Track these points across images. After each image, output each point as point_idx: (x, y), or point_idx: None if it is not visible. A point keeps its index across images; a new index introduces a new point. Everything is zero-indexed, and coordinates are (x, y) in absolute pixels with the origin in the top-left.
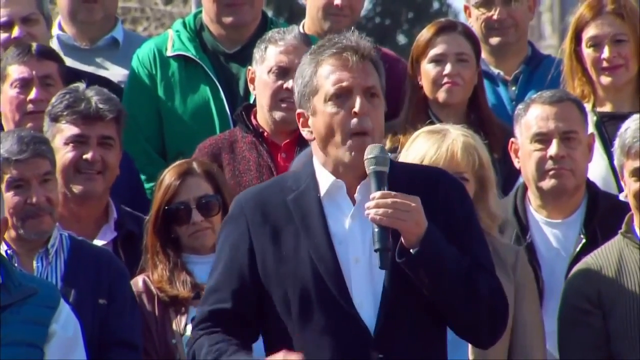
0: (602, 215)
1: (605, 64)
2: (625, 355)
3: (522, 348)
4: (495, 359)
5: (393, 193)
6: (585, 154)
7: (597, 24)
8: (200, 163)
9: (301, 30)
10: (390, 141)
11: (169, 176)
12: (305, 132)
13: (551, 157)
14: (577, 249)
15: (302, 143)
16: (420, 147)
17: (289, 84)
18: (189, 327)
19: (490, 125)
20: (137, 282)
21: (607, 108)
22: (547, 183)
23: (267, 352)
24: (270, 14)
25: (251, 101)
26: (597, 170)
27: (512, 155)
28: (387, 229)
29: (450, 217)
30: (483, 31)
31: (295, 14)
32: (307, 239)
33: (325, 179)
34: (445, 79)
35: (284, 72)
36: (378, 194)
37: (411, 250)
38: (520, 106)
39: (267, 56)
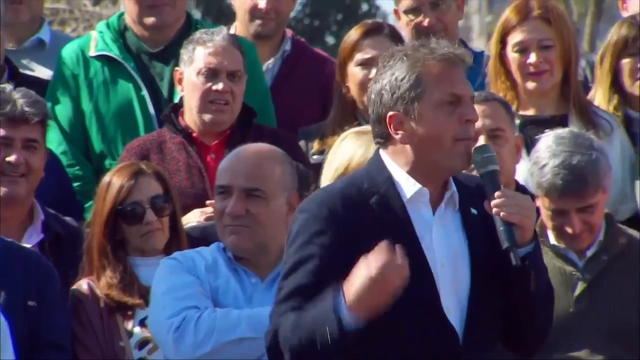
0: None
1: (531, 69)
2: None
3: None
4: None
5: (513, 192)
6: (512, 153)
7: (524, 29)
8: (147, 164)
9: (230, 32)
10: (318, 144)
11: (118, 177)
12: (399, 135)
13: None
14: None
15: (232, 144)
16: (348, 149)
17: (218, 85)
18: (137, 329)
19: None
20: (81, 286)
21: (530, 112)
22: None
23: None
24: (198, 15)
25: (175, 101)
26: (518, 172)
27: None
28: (511, 226)
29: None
30: (414, 36)
31: (224, 15)
32: (394, 242)
33: (408, 185)
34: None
35: (213, 73)
36: (502, 192)
37: (525, 248)
38: None
39: (196, 57)
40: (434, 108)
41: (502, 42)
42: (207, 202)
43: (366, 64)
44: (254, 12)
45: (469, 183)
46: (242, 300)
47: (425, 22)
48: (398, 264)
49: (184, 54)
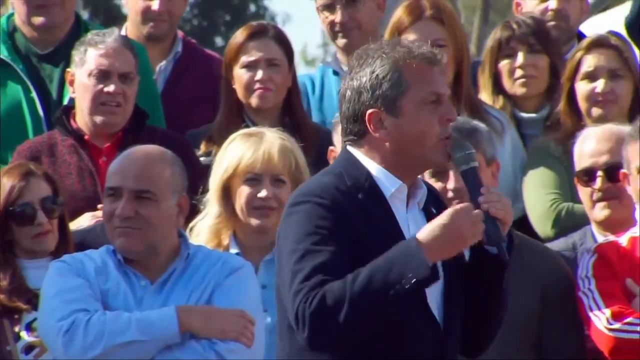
0: None
1: None
2: None
3: None
4: None
5: (492, 187)
6: None
7: (417, 29)
8: (36, 165)
9: (122, 33)
10: (205, 145)
11: (8, 178)
12: (379, 133)
13: None
14: None
15: (124, 146)
16: (237, 150)
17: (109, 87)
18: (24, 334)
19: (305, 128)
20: None
21: None
22: None
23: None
24: (86, 16)
25: (65, 102)
26: None
27: (331, 162)
28: (496, 222)
29: None
30: (330, 33)
31: (112, 17)
32: (385, 239)
33: (389, 182)
34: (258, 85)
35: (105, 75)
36: (491, 189)
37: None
38: (337, 114)
39: (87, 59)
40: (417, 106)
41: None
42: (99, 205)
43: (251, 66)
44: (147, 14)
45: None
46: (132, 303)
47: (337, 19)
48: (470, 211)
49: (75, 55)
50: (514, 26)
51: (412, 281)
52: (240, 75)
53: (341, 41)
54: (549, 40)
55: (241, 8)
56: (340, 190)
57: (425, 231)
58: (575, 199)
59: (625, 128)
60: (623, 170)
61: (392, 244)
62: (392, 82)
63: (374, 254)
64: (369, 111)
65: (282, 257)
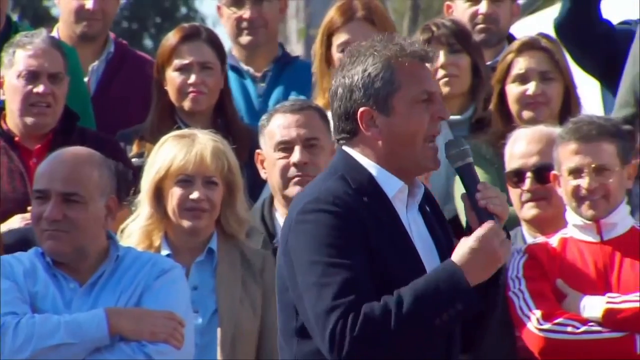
0: None
1: None
2: None
3: (269, 351)
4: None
5: (488, 183)
6: (329, 160)
7: (348, 30)
8: None
9: (50, 34)
10: (137, 146)
11: None
12: (371, 131)
13: (294, 164)
14: None
15: (55, 148)
16: (169, 152)
17: (39, 88)
18: None
19: (237, 130)
20: None
21: None
22: (292, 190)
23: None
24: (15, 17)
25: None
26: None
27: (259, 166)
28: (495, 219)
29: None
30: (234, 30)
31: (40, 18)
32: (393, 242)
33: (390, 182)
34: (191, 88)
35: (34, 76)
36: (489, 185)
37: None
38: (263, 117)
39: (16, 60)
40: (409, 105)
41: (327, 43)
42: (29, 207)
43: (184, 69)
44: (81, 13)
45: None
46: (61, 306)
47: (247, 15)
48: (497, 231)
49: (5, 57)
50: (433, 28)
51: (460, 309)
52: (173, 77)
53: (246, 38)
54: (469, 41)
55: (171, 10)
56: (348, 194)
57: (461, 257)
58: (507, 202)
59: (556, 130)
60: (554, 172)
61: (401, 247)
62: (384, 81)
63: (385, 258)
64: (361, 109)
65: (296, 267)
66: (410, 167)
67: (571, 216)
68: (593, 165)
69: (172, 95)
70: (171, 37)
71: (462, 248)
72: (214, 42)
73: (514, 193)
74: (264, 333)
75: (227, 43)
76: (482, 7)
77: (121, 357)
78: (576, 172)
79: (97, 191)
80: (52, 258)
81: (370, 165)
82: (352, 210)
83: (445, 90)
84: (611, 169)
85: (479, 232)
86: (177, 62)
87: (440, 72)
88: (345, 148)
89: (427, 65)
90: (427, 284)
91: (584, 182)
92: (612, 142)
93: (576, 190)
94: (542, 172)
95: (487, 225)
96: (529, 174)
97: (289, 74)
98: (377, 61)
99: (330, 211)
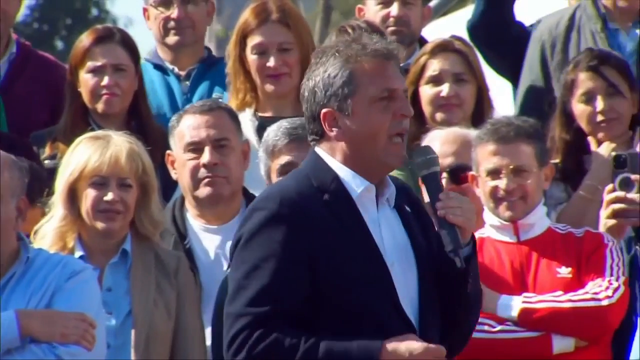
0: None
1: (271, 72)
2: None
3: (183, 352)
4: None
5: (455, 194)
6: (239, 160)
7: (262, 32)
8: None
9: None
10: (50, 148)
11: None
12: (334, 132)
13: (204, 165)
14: None
15: None
16: (83, 153)
17: None
18: None
19: (151, 131)
20: None
21: (268, 113)
22: (202, 191)
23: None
24: None
25: None
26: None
27: (169, 167)
28: (455, 228)
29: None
30: (161, 31)
31: None
32: (353, 241)
33: (356, 182)
34: (104, 90)
35: None
36: (446, 194)
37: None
38: (173, 118)
39: None
40: (368, 104)
41: (242, 44)
42: None
43: (97, 71)
44: None
45: (393, 181)
46: None
47: (175, 14)
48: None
49: None
50: (350, 30)
51: None
52: (86, 79)
53: (173, 38)
54: None
55: (83, 12)
56: (302, 194)
57: (392, 352)
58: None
59: (470, 131)
60: (472, 173)
61: (361, 246)
62: (342, 81)
63: (342, 257)
64: (323, 110)
65: (232, 259)
66: (374, 166)
67: (489, 216)
68: (511, 167)
69: (86, 97)
70: (84, 39)
71: (399, 348)
72: (128, 43)
73: None
74: (178, 334)
75: (144, 45)
76: (394, 10)
77: (32, 358)
78: (494, 173)
79: (7, 193)
80: None
81: (336, 165)
82: (299, 211)
83: None
84: (529, 170)
85: (421, 348)
86: (90, 64)
87: None
88: (316, 149)
89: (392, 62)
90: (344, 349)
91: (502, 183)
92: (530, 144)
93: (494, 191)
94: (457, 173)
95: (431, 348)
96: (444, 175)
97: (214, 73)
98: (337, 62)
99: (272, 210)
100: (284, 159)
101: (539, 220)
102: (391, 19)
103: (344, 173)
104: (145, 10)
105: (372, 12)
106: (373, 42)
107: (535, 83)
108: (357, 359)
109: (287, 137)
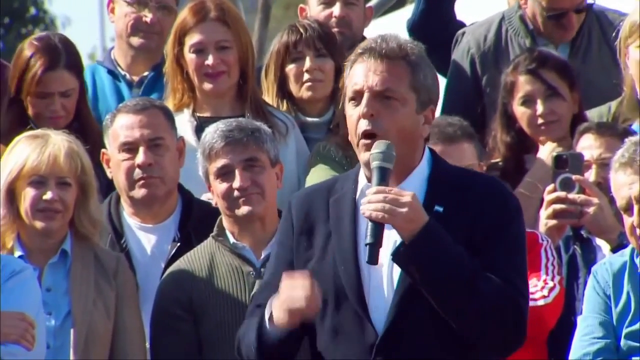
0: (196, 219)
1: (209, 70)
2: None
3: (123, 352)
4: None
5: (388, 188)
6: (174, 159)
7: (201, 30)
8: None
9: None
10: None
11: None
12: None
13: (139, 166)
14: (172, 253)
15: None
16: (22, 152)
17: None
18: None
19: (92, 131)
20: None
21: (207, 113)
22: (138, 192)
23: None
24: None
25: None
26: None
27: (104, 166)
28: (382, 224)
29: (478, 224)
30: (128, 29)
31: None
32: (335, 240)
33: (362, 182)
34: (50, 114)
35: None
36: (372, 189)
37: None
38: (107, 116)
39: None
40: (347, 105)
41: (180, 44)
42: None
43: (46, 97)
44: None
45: (470, 178)
46: None
47: (148, 19)
48: (301, 287)
49: None
50: (301, 30)
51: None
52: (33, 102)
53: (138, 40)
54: (334, 45)
55: (21, 10)
56: (314, 193)
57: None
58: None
59: None
60: None
61: (339, 248)
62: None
63: (317, 257)
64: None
65: None
66: (365, 167)
67: None
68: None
69: (31, 114)
70: (33, 61)
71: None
72: (74, 64)
73: None
74: (118, 335)
75: (83, 45)
76: (336, 10)
77: None
78: None
79: None
80: None
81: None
82: (303, 210)
83: (308, 94)
84: (475, 168)
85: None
86: (39, 91)
87: (306, 76)
88: None
89: (371, 60)
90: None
91: None
92: (472, 143)
93: None
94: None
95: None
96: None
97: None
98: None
99: (287, 210)
100: (220, 162)
101: None
102: (333, 20)
103: (360, 173)
104: (110, 2)
105: (315, 12)
106: (368, 42)
107: (465, 91)
108: (251, 333)
109: (223, 140)
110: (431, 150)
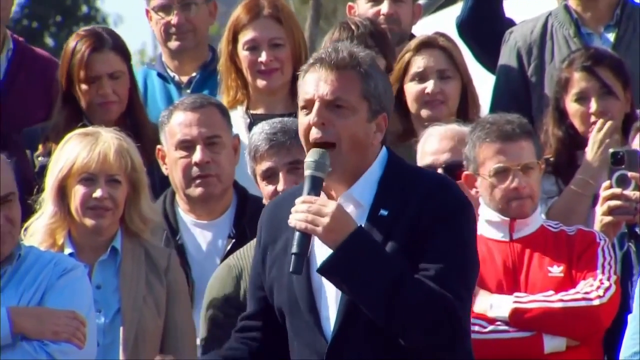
0: (251, 215)
1: (262, 68)
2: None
3: (173, 349)
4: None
5: (314, 198)
6: (230, 156)
7: (254, 27)
8: None
9: None
10: (43, 145)
11: None
12: None
13: (196, 164)
14: (227, 249)
15: None
16: (73, 150)
17: None
18: None
19: (144, 128)
20: None
21: (260, 110)
22: (195, 191)
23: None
24: None
25: None
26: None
27: (160, 162)
28: (308, 234)
29: (417, 225)
30: (162, 35)
31: None
32: (290, 249)
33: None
34: (102, 100)
35: None
36: (300, 199)
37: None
38: (164, 113)
39: None
40: (299, 114)
41: (233, 41)
42: None
43: (93, 81)
44: None
45: (423, 179)
46: None
47: (174, 21)
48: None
49: None
50: (353, 27)
51: None
52: (84, 90)
53: (174, 44)
54: (386, 42)
55: (73, 9)
56: (280, 203)
57: None
58: None
59: (468, 129)
60: (466, 172)
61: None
62: None
63: (280, 260)
64: None
65: None
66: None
67: (487, 213)
68: (520, 165)
69: (84, 103)
70: (79, 48)
71: None
72: (120, 49)
73: None
74: (168, 332)
75: (134, 42)
76: (384, 8)
77: (23, 356)
78: (502, 172)
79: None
80: None
81: None
82: (270, 220)
83: None
84: (534, 167)
85: None
86: (87, 74)
87: None
88: None
89: (322, 69)
90: None
91: (513, 181)
92: (530, 141)
93: (505, 190)
94: (453, 169)
95: None
96: (439, 171)
97: (214, 81)
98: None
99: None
100: (265, 164)
101: (534, 219)
102: (381, 17)
103: None
104: (147, 11)
105: (363, 9)
106: (324, 51)
107: (513, 87)
108: None
109: (267, 143)
110: (390, 151)
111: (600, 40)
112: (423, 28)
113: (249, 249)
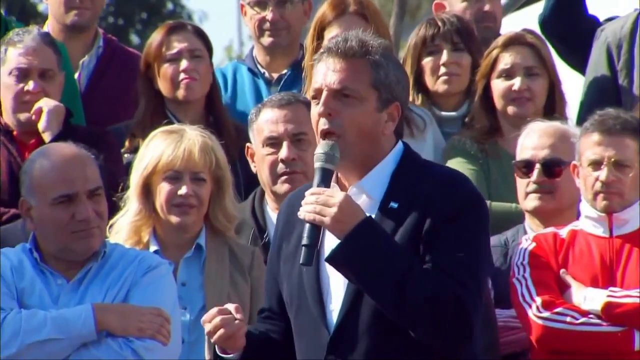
0: None
1: None
2: None
3: None
4: None
5: (322, 189)
6: None
7: (340, 24)
8: None
9: (42, 31)
10: (130, 142)
11: None
12: None
13: (282, 161)
14: None
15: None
16: (157, 147)
17: (30, 85)
18: None
19: (226, 126)
20: None
21: None
22: (281, 187)
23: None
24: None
25: None
26: None
27: (249, 159)
28: (318, 226)
29: (427, 218)
30: (256, 31)
31: (27, 14)
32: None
33: (333, 182)
34: (182, 75)
35: (24, 74)
36: (309, 190)
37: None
38: (253, 110)
39: (8, 58)
40: (312, 105)
41: (319, 37)
42: None
43: (174, 59)
44: (70, 3)
45: (437, 175)
46: (48, 302)
47: (269, 17)
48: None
49: None
50: (439, 24)
51: None
52: (164, 69)
53: (267, 39)
54: (472, 39)
55: (158, 6)
56: (298, 195)
57: None
58: (492, 196)
59: (569, 127)
60: (574, 162)
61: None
62: None
63: (291, 256)
64: None
65: None
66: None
67: (585, 208)
68: (613, 159)
69: (166, 88)
70: (158, 31)
71: None
72: (200, 33)
73: (520, 183)
74: None
75: (219, 39)
76: (486, 6)
77: (108, 352)
78: (596, 164)
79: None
80: (87, 255)
81: None
82: (286, 213)
83: (444, 88)
84: (631, 165)
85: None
86: (167, 53)
87: (442, 70)
88: None
89: (330, 59)
90: None
91: (602, 174)
92: (635, 139)
93: (593, 181)
94: (551, 166)
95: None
96: (537, 166)
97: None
98: None
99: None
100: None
101: (634, 217)
102: (482, 14)
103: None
104: (242, 6)
105: (459, 8)
106: (335, 40)
107: (602, 82)
108: None
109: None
110: (406, 146)
111: None
112: (507, 25)
113: None
